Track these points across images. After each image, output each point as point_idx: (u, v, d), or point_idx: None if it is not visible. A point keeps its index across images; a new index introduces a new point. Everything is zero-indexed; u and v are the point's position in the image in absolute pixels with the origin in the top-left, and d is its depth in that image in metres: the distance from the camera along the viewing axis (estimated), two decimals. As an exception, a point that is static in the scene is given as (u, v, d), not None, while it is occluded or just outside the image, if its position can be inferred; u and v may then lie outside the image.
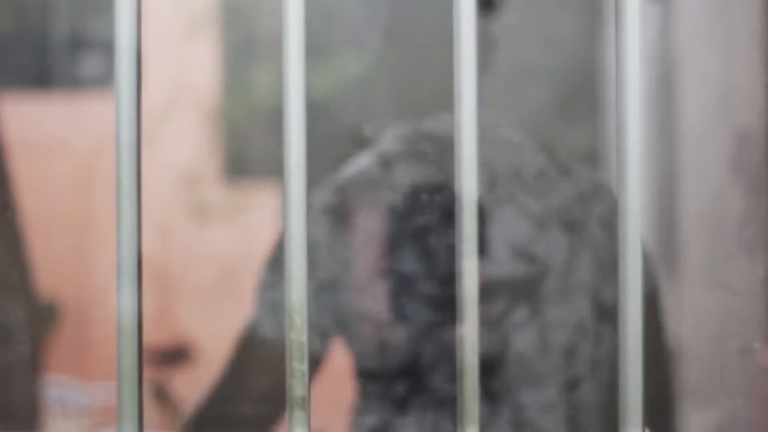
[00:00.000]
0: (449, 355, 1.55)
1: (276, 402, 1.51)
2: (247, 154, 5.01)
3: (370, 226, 1.59)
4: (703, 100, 2.56)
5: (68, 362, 4.64)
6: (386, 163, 1.62)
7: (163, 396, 4.37)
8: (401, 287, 1.57)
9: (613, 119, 4.23)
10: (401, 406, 1.58)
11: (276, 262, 1.62)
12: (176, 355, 4.57)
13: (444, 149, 1.60)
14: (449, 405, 1.56)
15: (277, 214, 4.83)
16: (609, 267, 1.59)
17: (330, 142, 3.52)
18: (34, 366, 1.85)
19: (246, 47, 4.97)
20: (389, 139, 1.64)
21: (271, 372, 1.60)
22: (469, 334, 0.80)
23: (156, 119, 4.81)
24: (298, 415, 0.80)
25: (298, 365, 0.80)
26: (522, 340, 1.58)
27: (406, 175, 1.60)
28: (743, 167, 2.06)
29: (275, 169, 4.82)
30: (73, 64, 4.94)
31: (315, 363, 1.58)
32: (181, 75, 4.98)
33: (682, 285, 2.80)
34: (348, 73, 4.59)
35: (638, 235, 0.80)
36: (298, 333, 0.80)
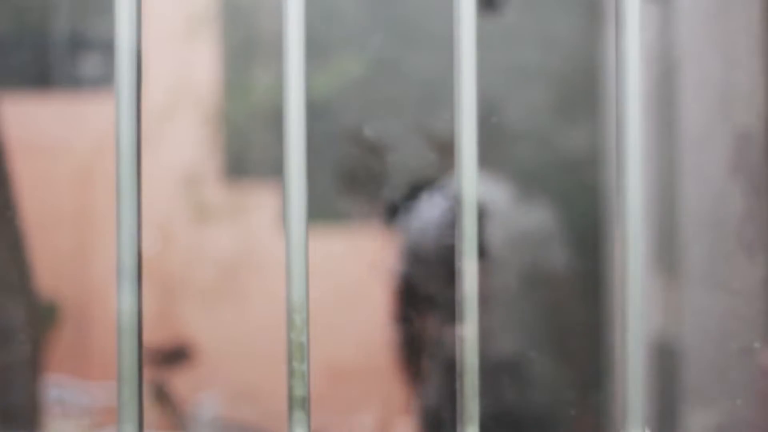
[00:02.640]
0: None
1: None
2: (247, 154, 5.01)
3: None
4: (703, 100, 2.56)
5: (68, 362, 4.64)
6: None
7: (163, 396, 4.37)
8: None
9: (613, 119, 4.23)
10: None
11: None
12: (176, 355, 4.56)
13: None
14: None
15: (278, 214, 4.83)
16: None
17: (330, 142, 3.52)
18: (34, 366, 1.85)
19: (246, 47, 4.97)
20: None
21: None
22: (469, 334, 0.80)
23: (156, 119, 4.81)
24: (298, 415, 0.80)
25: (298, 365, 0.79)
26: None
27: None
28: (743, 167, 2.06)
29: (275, 169, 4.82)
30: (73, 64, 4.94)
31: None
32: (181, 75, 4.98)
33: (683, 285, 2.79)
34: (348, 74, 4.59)
35: (639, 235, 0.80)
36: (298, 333, 0.80)
